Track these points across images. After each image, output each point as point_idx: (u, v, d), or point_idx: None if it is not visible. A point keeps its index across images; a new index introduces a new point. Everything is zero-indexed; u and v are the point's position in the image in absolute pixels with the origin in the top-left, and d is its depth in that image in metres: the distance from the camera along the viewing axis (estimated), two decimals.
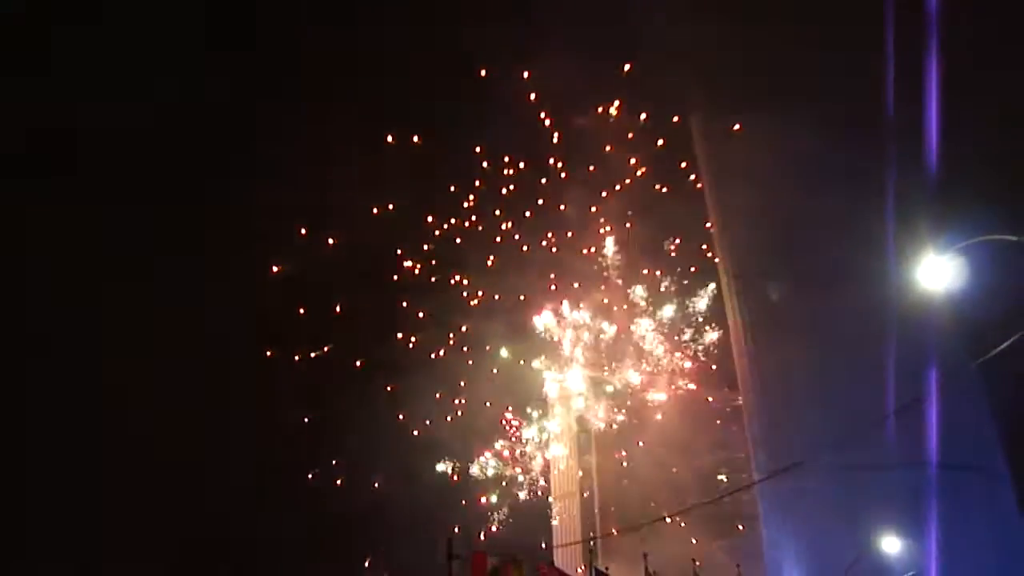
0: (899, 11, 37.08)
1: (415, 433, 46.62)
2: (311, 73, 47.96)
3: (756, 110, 47.51)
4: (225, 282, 43.62)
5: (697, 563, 32.75)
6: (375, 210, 48.10)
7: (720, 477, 46.89)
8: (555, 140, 49.28)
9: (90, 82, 43.66)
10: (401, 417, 45.86)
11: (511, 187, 50.06)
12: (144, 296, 44.39)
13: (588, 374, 49.70)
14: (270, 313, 46.48)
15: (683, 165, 48.58)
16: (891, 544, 34.65)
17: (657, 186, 48.94)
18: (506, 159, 49.76)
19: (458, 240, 49.93)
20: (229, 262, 44.26)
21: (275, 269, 47.05)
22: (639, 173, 49.05)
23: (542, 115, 48.80)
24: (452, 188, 50.03)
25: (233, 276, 43.79)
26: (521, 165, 49.91)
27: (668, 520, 40.51)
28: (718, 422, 47.74)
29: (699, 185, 47.65)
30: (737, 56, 45.10)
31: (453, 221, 49.98)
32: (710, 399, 47.39)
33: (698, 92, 48.21)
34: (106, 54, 43.47)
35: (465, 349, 49.09)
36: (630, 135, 48.62)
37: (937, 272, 12.78)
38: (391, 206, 48.24)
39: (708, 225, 47.03)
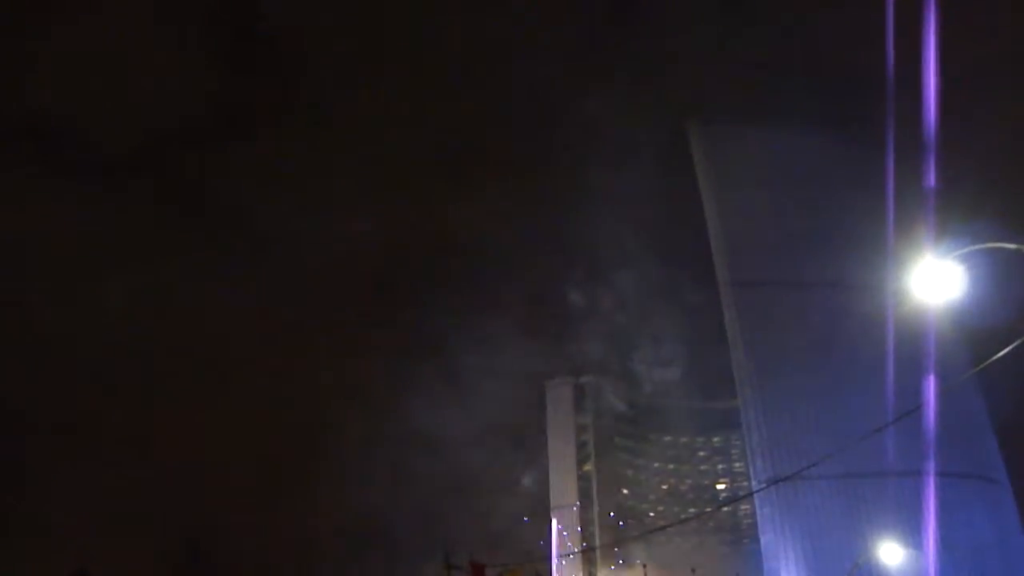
0: (900, 18, 37.20)
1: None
2: None
3: (756, 118, 47.67)
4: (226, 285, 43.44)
5: (696, 572, 32.65)
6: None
7: (719, 487, 46.81)
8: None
9: None
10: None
11: None
12: (144, 296, 44.47)
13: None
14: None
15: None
16: (890, 552, 34.49)
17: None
18: None
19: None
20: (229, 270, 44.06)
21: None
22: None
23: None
24: None
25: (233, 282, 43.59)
26: None
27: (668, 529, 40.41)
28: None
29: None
30: (737, 64, 45.28)
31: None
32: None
33: (697, 99, 48.33)
34: None
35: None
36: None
37: (936, 280, 12.69)
38: None
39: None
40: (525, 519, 48.70)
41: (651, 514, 47.40)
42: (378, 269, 49.08)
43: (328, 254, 47.75)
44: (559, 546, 48.01)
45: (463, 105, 47.36)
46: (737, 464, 46.55)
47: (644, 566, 35.21)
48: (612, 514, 49.03)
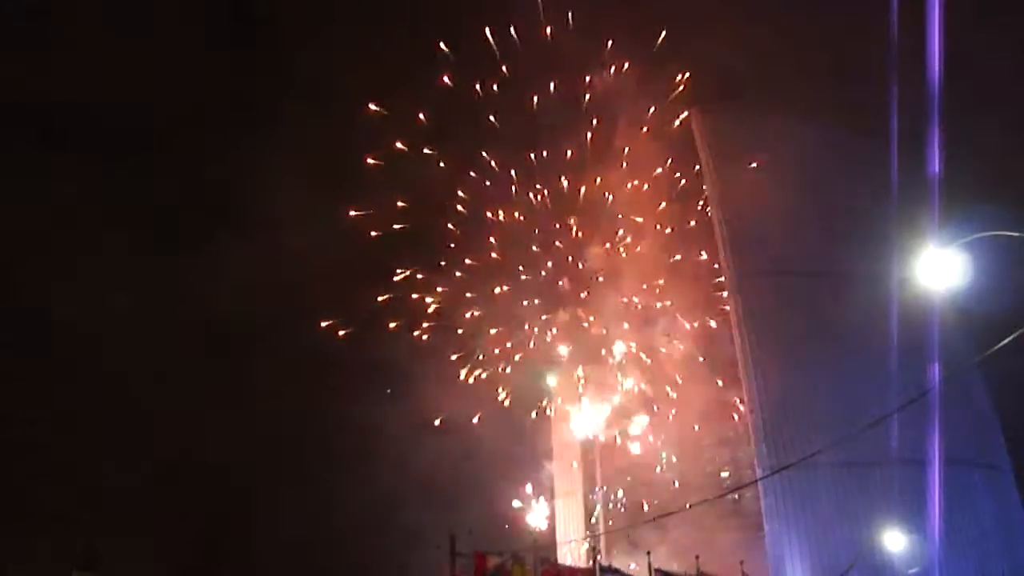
0: (903, 8, 37.06)
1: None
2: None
3: (759, 106, 47.49)
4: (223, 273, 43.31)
5: (700, 559, 32.67)
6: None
7: (723, 474, 46.82)
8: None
9: None
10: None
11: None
12: (142, 290, 44.42)
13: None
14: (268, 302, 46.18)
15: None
16: (894, 540, 34.63)
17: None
18: None
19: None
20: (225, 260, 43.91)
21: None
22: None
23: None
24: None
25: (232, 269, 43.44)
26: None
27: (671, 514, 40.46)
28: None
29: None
30: (741, 51, 45.13)
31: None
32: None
33: (701, 86, 48.17)
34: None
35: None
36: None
37: (940, 268, 12.70)
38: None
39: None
40: (514, 507, 48.80)
41: (655, 502, 47.52)
42: (382, 249, 48.47)
43: (332, 236, 47.21)
44: (564, 533, 48.24)
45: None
46: (741, 452, 46.53)
47: (648, 553, 35.22)
48: (616, 500, 49.20)
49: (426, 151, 47.14)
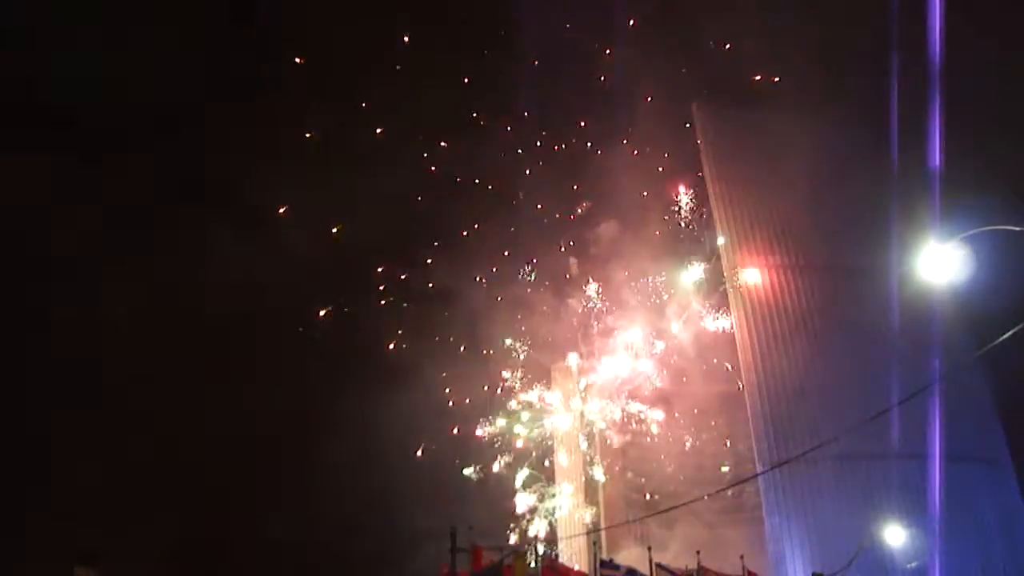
0: (903, 5, 37.08)
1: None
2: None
3: (760, 100, 47.42)
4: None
5: (700, 554, 32.58)
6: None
7: (724, 469, 46.76)
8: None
9: None
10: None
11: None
12: (136, 288, 44.32)
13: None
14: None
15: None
16: (895, 534, 34.62)
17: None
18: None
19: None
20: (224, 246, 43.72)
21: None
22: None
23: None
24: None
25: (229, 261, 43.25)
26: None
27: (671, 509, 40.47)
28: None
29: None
30: (743, 47, 45.13)
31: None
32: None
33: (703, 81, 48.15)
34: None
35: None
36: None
37: (940, 262, 12.65)
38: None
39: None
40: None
41: (656, 496, 47.47)
42: (384, 237, 48.18)
43: (330, 226, 46.90)
44: (564, 528, 48.14)
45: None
46: (741, 446, 46.50)
47: (649, 548, 35.16)
48: (616, 496, 49.07)
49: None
